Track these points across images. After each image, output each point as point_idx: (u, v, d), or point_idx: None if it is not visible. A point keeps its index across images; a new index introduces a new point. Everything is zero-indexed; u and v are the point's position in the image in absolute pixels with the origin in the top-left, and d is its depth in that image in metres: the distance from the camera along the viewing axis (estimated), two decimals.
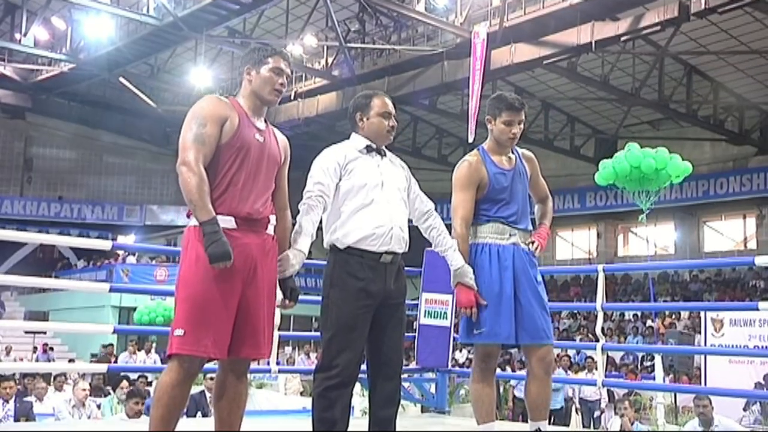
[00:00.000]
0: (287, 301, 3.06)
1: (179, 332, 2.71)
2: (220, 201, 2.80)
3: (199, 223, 2.71)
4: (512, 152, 3.71)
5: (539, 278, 3.59)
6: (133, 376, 10.16)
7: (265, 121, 3.04)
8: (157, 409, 2.74)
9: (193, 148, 2.76)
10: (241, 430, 2.90)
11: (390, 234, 3.19)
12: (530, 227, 3.65)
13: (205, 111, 2.84)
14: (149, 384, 11.78)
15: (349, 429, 3.14)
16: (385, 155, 3.37)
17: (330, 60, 20.07)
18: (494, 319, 3.42)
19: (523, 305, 3.46)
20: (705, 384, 9.35)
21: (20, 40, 21.01)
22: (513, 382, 11.47)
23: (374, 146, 3.33)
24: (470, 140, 16.44)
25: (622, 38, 15.27)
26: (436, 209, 3.53)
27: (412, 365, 5.88)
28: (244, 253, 2.79)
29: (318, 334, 3.34)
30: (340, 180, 3.24)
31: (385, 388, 3.22)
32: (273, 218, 2.97)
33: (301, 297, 3.15)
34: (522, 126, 3.61)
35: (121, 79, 22.23)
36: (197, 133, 2.79)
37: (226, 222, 2.78)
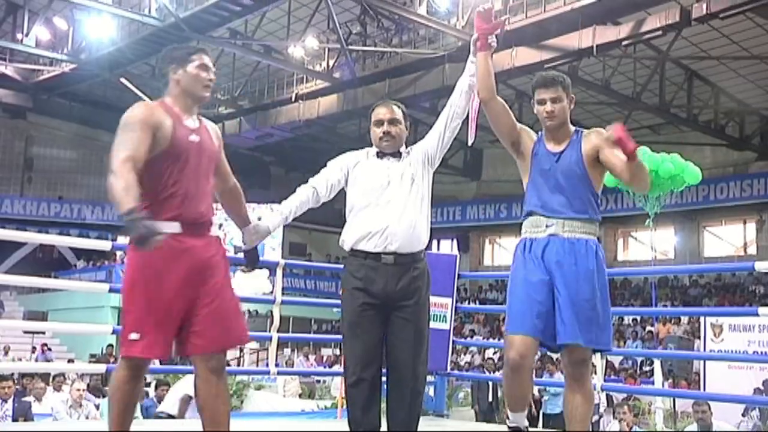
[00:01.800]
0: (245, 268, 3.34)
1: (133, 336, 2.81)
2: (164, 208, 2.83)
3: (120, 216, 2.62)
4: (573, 133, 3.35)
5: (593, 271, 3.17)
6: None
7: (198, 118, 3.02)
8: (114, 405, 2.89)
9: (122, 154, 2.77)
10: (231, 429, 2.89)
11: (385, 234, 3.22)
12: (589, 216, 3.21)
13: (135, 118, 2.87)
14: (147, 384, 11.77)
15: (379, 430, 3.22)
16: (401, 157, 3.41)
17: (331, 62, 20.07)
18: (516, 308, 3.15)
19: (557, 299, 3.12)
20: (704, 389, 9.34)
21: (22, 40, 21.03)
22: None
23: (384, 153, 3.40)
24: (470, 143, 16.43)
25: (624, 42, 15.27)
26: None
27: None
28: (191, 256, 2.84)
29: (317, 336, 3.44)
30: (346, 184, 3.39)
31: (394, 393, 3.23)
32: (214, 218, 3.00)
33: (299, 299, 3.27)
34: (562, 103, 3.30)
35: (123, 80, 22.24)
36: (125, 139, 2.83)
37: (173, 227, 2.81)
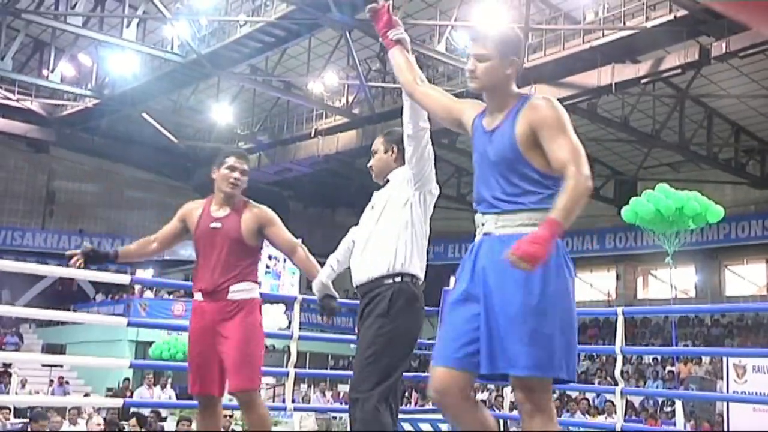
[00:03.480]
0: (324, 318, 3.93)
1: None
2: (195, 278, 3.83)
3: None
4: (515, 103, 2.64)
5: (530, 275, 2.39)
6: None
7: (234, 207, 3.82)
8: None
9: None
10: None
11: (353, 269, 3.42)
12: (529, 205, 2.53)
13: (179, 210, 3.99)
14: (163, 419, 11.71)
15: None
16: (386, 185, 3.46)
17: (350, 98, 20.24)
18: (440, 335, 2.64)
19: (486, 318, 2.48)
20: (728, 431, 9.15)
21: (48, 76, 21.41)
22: None
23: (379, 186, 3.51)
24: None
25: (643, 80, 15.29)
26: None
27: (429, 405, 5.81)
28: (204, 317, 3.72)
29: (334, 372, 3.51)
30: None
31: None
32: (238, 285, 3.71)
33: (316, 334, 3.34)
34: (488, 62, 2.64)
35: (144, 115, 22.52)
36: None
37: (197, 296, 3.78)
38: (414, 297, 3.29)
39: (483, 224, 2.60)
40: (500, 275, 2.46)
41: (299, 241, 3.93)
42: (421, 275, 3.37)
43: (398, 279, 3.27)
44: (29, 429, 7.73)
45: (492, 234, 2.55)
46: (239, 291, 3.72)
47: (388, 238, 3.28)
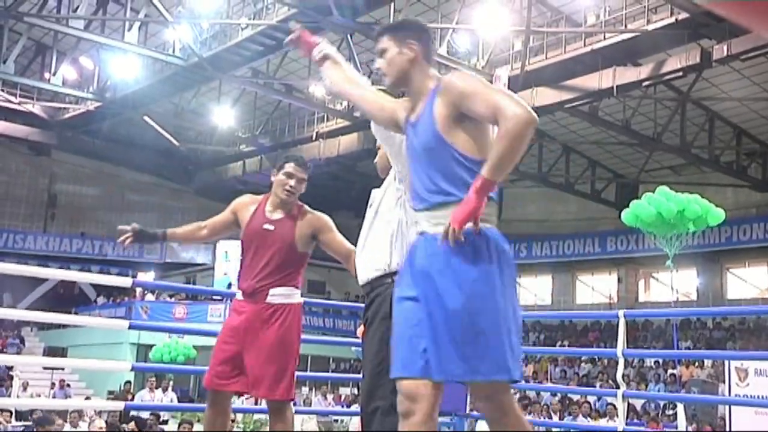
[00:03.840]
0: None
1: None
2: (238, 278, 3.81)
3: None
4: (431, 89, 2.52)
5: (458, 272, 2.34)
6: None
7: (289, 211, 3.79)
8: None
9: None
10: None
11: (357, 269, 3.25)
12: (459, 197, 2.36)
13: (234, 201, 3.94)
14: (164, 422, 11.71)
15: None
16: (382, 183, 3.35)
17: None
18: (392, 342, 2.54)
19: (429, 323, 2.38)
20: None
21: (49, 79, 21.44)
22: None
23: None
24: None
25: (644, 83, 15.30)
26: None
27: None
28: (241, 317, 3.69)
29: (336, 375, 3.41)
30: None
31: None
32: (278, 289, 3.69)
33: (318, 337, 3.28)
34: (388, 55, 2.59)
35: (146, 118, 22.54)
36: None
37: (238, 295, 3.78)
38: None
39: (417, 222, 2.50)
40: (439, 277, 2.36)
41: (354, 247, 3.71)
42: None
43: (382, 280, 3.14)
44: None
45: (426, 233, 2.43)
46: (278, 295, 3.71)
47: (383, 236, 3.15)
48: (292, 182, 3.77)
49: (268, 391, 3.61)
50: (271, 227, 3.73)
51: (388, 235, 3.14)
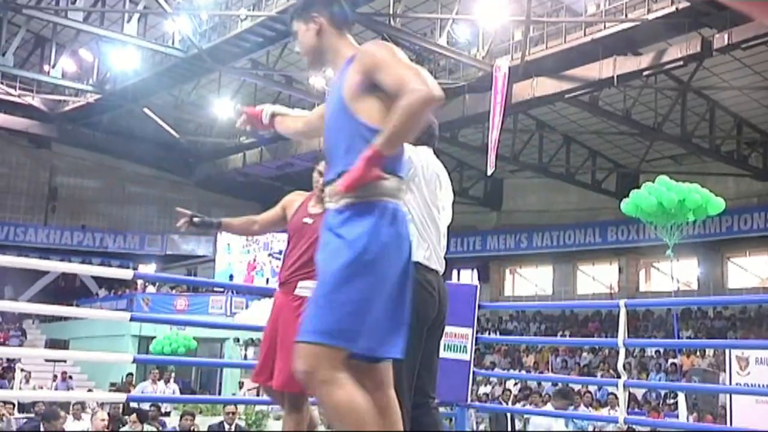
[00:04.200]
0: None
1: None
2: (281, 266, 3.96)
3: None
4: (347, 59, 2.47)
5: (337, 248, 2.28)
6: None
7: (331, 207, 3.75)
8: None
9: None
10: None
11: None
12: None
13: (284, 198, 4.13)
14: (166, 414, 11.73)
15: None
16: None
17: None
18: None
19: None
20: (731, 424, 9.16)
21: (49, 72, 21.41)
22: None
23: None
24: (490, 173, 16.44)
25: (645, 73, 15.26)
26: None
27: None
28: (275, 308, 3.82)
29: None
30: None
31: None
32: (308, 282, 3.61)
33: None
34: (301, 34, 2.62)
35: (146, 110, 22.52)
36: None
37: (277, 286, 3.90)
38: (418, 285, 3.05)
39: (325, 199, 2.45)
40: (323, 248, 2.35)
41: None
42: (430, 262, 3.20)
43: None
44: (42, 429, 7.75)
45: (329, 209, 2.39)
46: (307, 288, 3.68)
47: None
48: (322, 180, 3.87)
49: (285, 382, 3.53)
50: (310, 221, 3.82)
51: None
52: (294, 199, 4.04)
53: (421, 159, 3.31)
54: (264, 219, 4.10)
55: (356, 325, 2.25)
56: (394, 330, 2.37)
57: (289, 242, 3.89)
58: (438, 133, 3.58)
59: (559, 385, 14.13)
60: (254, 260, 24.38)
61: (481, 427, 11.89)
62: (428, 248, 3.22)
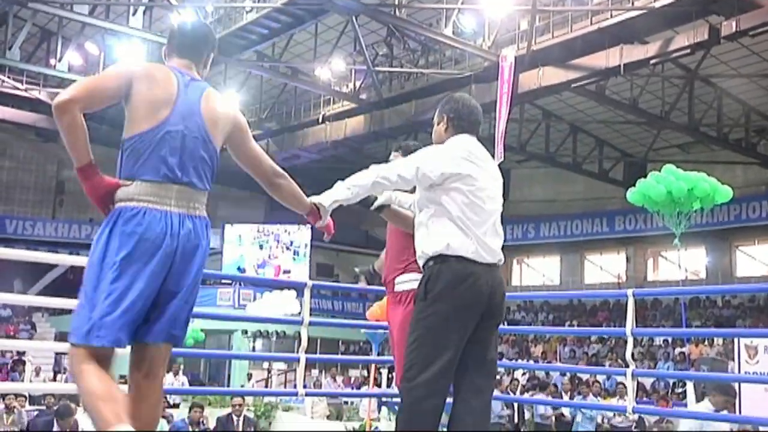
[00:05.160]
0: None
1: None
2: None
3: None
4: None
5: None
6: None
7: None
8: None
9: None
10: None
11: None
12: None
13: None
14: (175, 406, 11.79)
15: None
16: None
17: (358, 83, 20.19)
18: None
19: None
20: (740, 412, 9.15)
21: (55, 66, 21.43)
22: None
23: None
24: (498, 163, 16.39)
25: (651, 61, 15.18)
26: None
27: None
28: (387, 307, 3.97)
29: (345, 357, 3.38)
30: None
31: None
32: (403, 276, 3.74)
33: (327, 320, 3.27)
34: None
35: None
36: None
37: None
38: (458, 278, 3.08)
39: None
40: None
41: None
42: (476, 255, 3.14)
43: (438, 261, 3.13)
44: (56, 427, 7.80)
45: None
46: (404, 282, 3.77)
47: (420, 220, 3.26)
48: None
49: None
50: None
51: (426, 218, 3.27)
52: None
53: (460, 150, 3.26)
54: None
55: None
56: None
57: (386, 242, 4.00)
58: (481, 119, 3.51)
59: (568, 375, 14.13)
60: (272, 256, 24.17)
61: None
62: (473, 242, 3.14)
